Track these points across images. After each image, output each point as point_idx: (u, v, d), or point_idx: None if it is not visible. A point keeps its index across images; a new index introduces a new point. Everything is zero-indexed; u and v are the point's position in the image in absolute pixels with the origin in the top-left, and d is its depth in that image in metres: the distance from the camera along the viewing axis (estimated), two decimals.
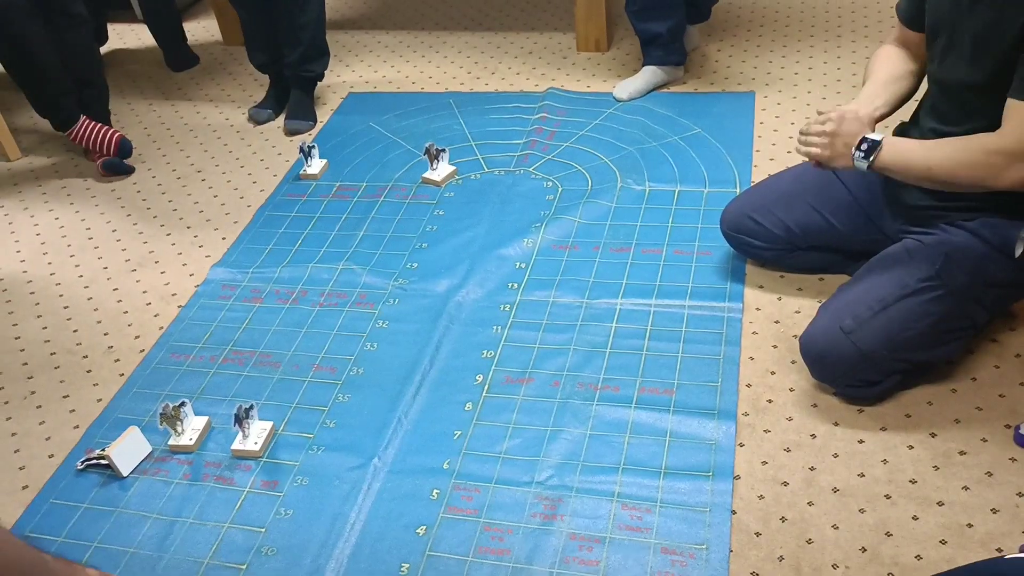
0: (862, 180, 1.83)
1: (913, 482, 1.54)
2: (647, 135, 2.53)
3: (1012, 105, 1.45)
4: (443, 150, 2.44)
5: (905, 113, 1.80)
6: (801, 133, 1.66)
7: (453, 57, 3.11)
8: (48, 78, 2.54)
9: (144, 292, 2.21)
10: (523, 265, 2.12)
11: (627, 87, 2.71)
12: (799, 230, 1.89)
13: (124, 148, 2.64)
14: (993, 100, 1.49)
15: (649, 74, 2.72)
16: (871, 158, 1.55)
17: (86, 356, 2.04)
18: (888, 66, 1.74)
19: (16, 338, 2.11)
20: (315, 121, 2.81)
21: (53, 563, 0.61)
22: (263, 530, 1.60)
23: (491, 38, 3.20)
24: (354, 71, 3.10)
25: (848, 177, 1.85)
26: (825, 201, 1.85)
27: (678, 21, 2.65)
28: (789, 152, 2.39)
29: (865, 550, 1.44)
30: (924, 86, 1.73)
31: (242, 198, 2.51)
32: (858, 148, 1.57)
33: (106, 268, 2.31)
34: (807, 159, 1.67)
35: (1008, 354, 1.75)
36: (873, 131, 1.59)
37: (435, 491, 1.63)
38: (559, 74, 2.92)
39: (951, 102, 1.59)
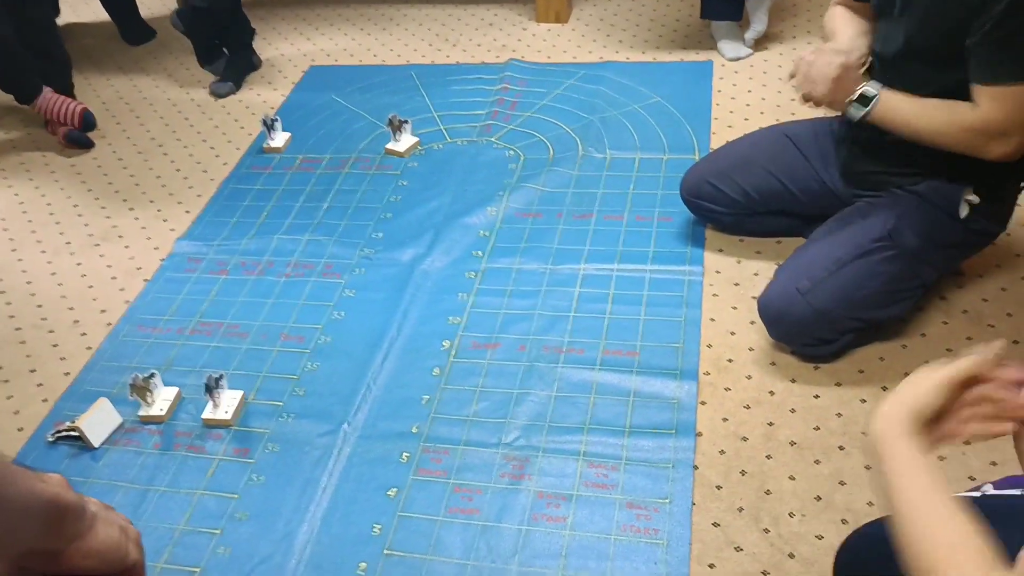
0: (816, 145, 1.88)
1: (865, 433, 1.60)
2: (607, 104, 2.56)
3: (978, 89, 1.50)
4: (406, 121, 2.45)
5: None
6: (802, 61, 1.63)
7: (414, 29, 3.11)
8: (9, 54, 2.51)
9: (109, 266, 2.21)
10: (487, 233, 2.15)
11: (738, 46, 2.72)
12: (757, 195, 1.93)
13: (88, 120, 2.62)
14: (935, 71, 1.54)
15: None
16: (866, 111, 1.59)
17: (52, 331, 2.04)
18: (850, 23, 1.77)
19: None
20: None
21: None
22: (236, 496, 1.63)
23: (451, 10, 3.21)
24: (315, 44, 3.09)
25: (803, 142, 1.90)
26: (782, 166, 1.90)
27: None
28: (747, 119, 2.44)
29: (820, 498, 1.50)
30: None
31: (205, 171, 2.51)
32: (857, 99, 1.60)
33: (69, 243, 2.30)
34: (799, 91, 1.66)
35: (955, 311, 1.82)
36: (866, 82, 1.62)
37: (405, 454, 1.66)
38: (520, 45, 2.94)
39: (894, 75, 1.63)
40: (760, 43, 2.77)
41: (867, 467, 1.54)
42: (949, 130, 1.54)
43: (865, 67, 1.69)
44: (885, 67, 1.66)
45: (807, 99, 1.65)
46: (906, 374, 1.67)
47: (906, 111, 1.59)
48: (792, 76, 1.66)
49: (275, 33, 3.17)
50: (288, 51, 3.05)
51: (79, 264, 2.23)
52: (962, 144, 1.55)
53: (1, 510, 0.56)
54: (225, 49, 2.90)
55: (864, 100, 1.59)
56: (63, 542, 0.64)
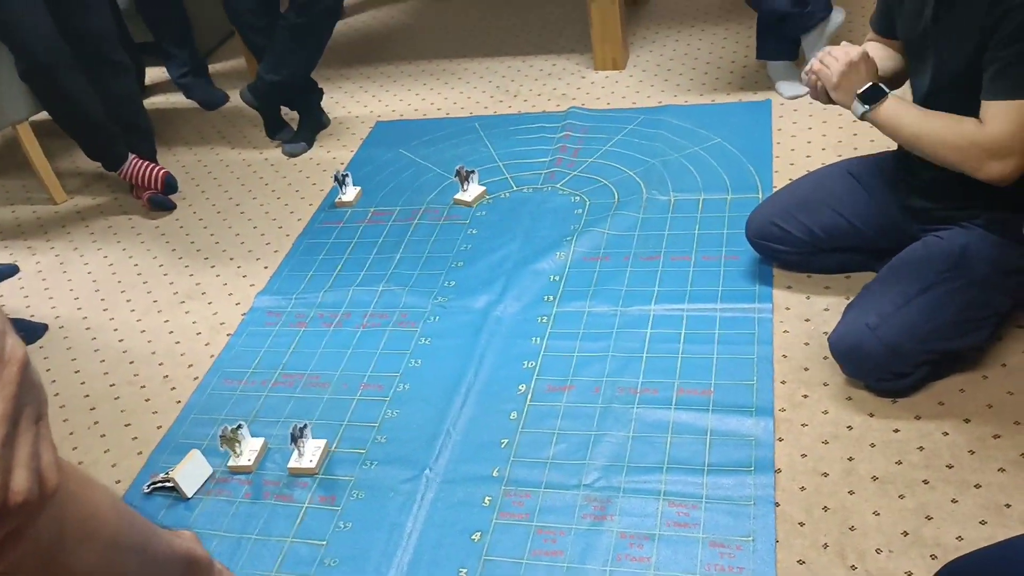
0: (880, 181, 1.90)
1: (950, 467, 1.59)
2: (668, 147, 2.60)
3: (986, 105, 1.52)
4: (472, 172, 2.52)
5: None
6: (823, 51, 1.70)
7: (475, 83, 3.20)
8: (97, 127, 2.66)
9: (194, 323, 2.30)
10: (557, 278, 2.19)
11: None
12: (822, 233, 1.95)
13: (170, 184, 2.75)
14: (966, 101, 1.57)
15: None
16: (870, 106, 1.63)
17: (144, 386, 2.13)
18: (879, 50, 1.82)
19: (76, 372, 2.21)
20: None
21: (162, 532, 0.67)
22: (324, 543, 1.68)
23: (511, 62, 3.29)
24: (380, 101, 3.20)
25: (866, 178, 1.92)
26: (846, 203, 1.92)
27: None
28: (809, 156, 2.46)
29: (907, 534, 1.50)
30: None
31: (281, 228, 2.60)
32: (862, 93, 1.64)
33: (156, 302, 2.40)
34: (811, 76, 1.71)
35: None
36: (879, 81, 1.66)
37: (487, 498, 1.70)
38: (579, 93, 3.00)
39: (931, 106, 1.66)
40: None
41: (953, 500, 1.53)
42: (951, 142, 1.56)
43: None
44: (921, 100, 1.69)
45: (816, 80, 1.69)
46: (989, 405, 1.68)
47: (911, 116, 1.62)
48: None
49: (342, 92, 3.29)
50: (355, 109, 3.16)
51: (166, 321, 2.32)
52: (961, 158, 1.56)
53: (147, 562, 0.61)
54: (295, 111, 3.02)
55: (872, 97, 1.63)
56: None
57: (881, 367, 1.70)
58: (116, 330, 2.33)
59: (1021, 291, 1.78)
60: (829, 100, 1.71)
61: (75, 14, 2.56)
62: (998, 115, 1.50)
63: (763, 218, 2.02)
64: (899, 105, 1.64)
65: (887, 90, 1.64)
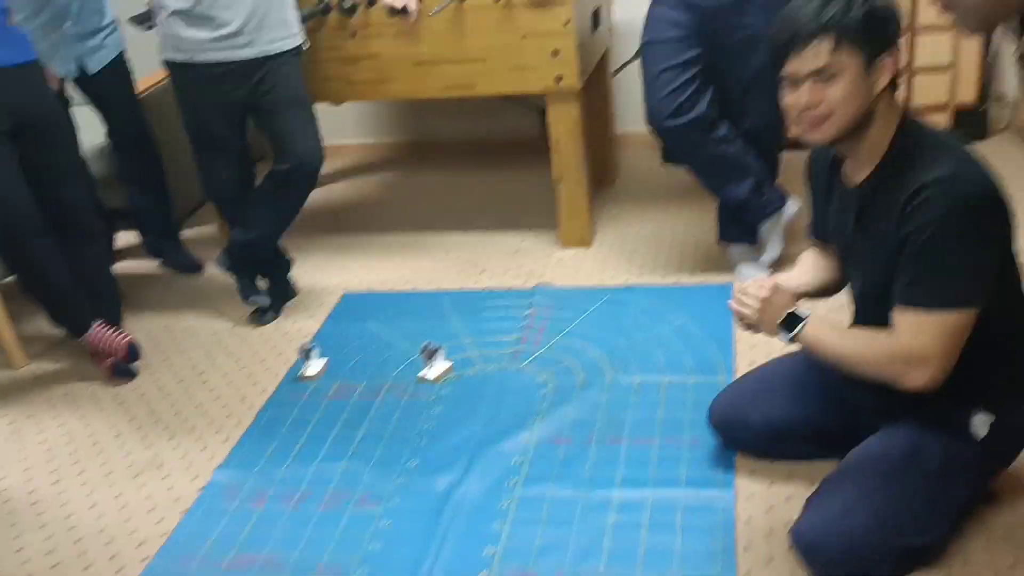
0: (836, 375, 1.94)
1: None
2: (633, 327, 2.65)
3: (899, 314, 1.60)
4: (438, 348, 2.54)
5: None
6: (738, 291, 1.79)
7: (443, 256, 3.27)
8: (64, 295, 2.67)
9: (147, 497, 2.24)
10: (520, 460, 2.17)
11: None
12: (781, 423, 1.98)
13: (133, 351, 2.73)
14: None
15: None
16: (793, 333, 1.70)
17: (88, 566, 2.04)
18: (813, 259, 1.95)
19: (18, 550, 2.11)
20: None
21: None
22: None
23: (479, 237, 3.39)
24: (348, 272, 3.25)
25: (824, 372, 1.96)
26: (807, 395, 1.96)
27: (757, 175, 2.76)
28: (769, 341, 2.50)
29: None
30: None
31: (243, 400, 2.58)
32: (783, 321, 1.71)
33: (109, 474, 2.34)
34: (737, 316, 1.80)
35: (995, 535, 1.80)
36: (797, 306, 1.74)
37: None
38: (546, 270, 3.08)
39: (864, 313, 1.76)
40: (777, 265, 2.89)
41: None
42: (870, 358, 1.64)
43: (804, 295, 1.85)
44: (859, 307, 1.80)
45: (740, 318, 1.79)
46: None
47: (831, 338, 1.70)
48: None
49: (310, 263, 3.33)
50: (323, 280, 3.20)
51: (118, 496, 2.26)
52: (882, 372, 1.64)
53: None
54: (265, 279, 3.05)
55: (792, 323, 1.71)
56: None
57: (844, 564, 1.68)
58: (65, 504, 2.25)
59: (977, 483, 1.80)
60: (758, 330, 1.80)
61: (51, 182, 2.61)
62: (912, 325, 1.57)
63: (725, 406, 2.05)
64: (819, 328, 1.71)
65: (803, 316, 1.72)
